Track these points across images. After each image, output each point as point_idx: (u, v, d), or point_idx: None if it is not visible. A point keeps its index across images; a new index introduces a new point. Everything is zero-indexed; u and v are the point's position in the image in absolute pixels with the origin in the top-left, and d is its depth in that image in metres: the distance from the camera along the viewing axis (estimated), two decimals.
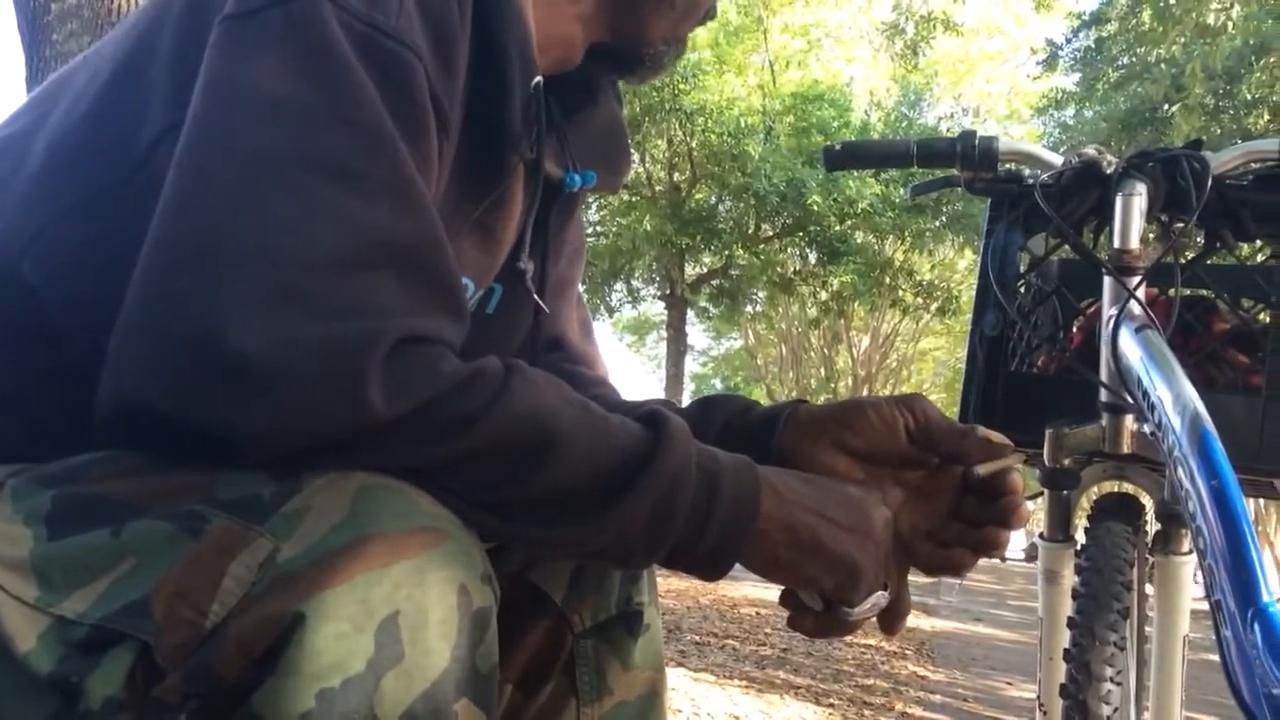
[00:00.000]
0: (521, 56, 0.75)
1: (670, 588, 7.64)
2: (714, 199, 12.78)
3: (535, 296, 0.89)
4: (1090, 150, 1.34)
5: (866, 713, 4.33)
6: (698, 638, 5.76)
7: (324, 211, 0.61)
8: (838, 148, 1.48)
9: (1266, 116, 8.89)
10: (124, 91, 0.72)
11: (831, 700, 4.49)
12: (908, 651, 6.48)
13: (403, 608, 0.57)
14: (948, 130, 15.20)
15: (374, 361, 0.60)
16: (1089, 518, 1.29)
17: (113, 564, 0.60)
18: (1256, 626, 0.78)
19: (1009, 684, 5.62)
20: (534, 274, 0.88)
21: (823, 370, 21.79)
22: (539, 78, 0.77)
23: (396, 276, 0.63)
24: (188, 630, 0.58)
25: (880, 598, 0.76)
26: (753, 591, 8.14)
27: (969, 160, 1.42)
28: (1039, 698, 1.35)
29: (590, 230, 12.47)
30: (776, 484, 0.72)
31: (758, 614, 7.25)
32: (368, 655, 0.56)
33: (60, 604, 0.60)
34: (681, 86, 10.87)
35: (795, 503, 0.72)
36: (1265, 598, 0.80)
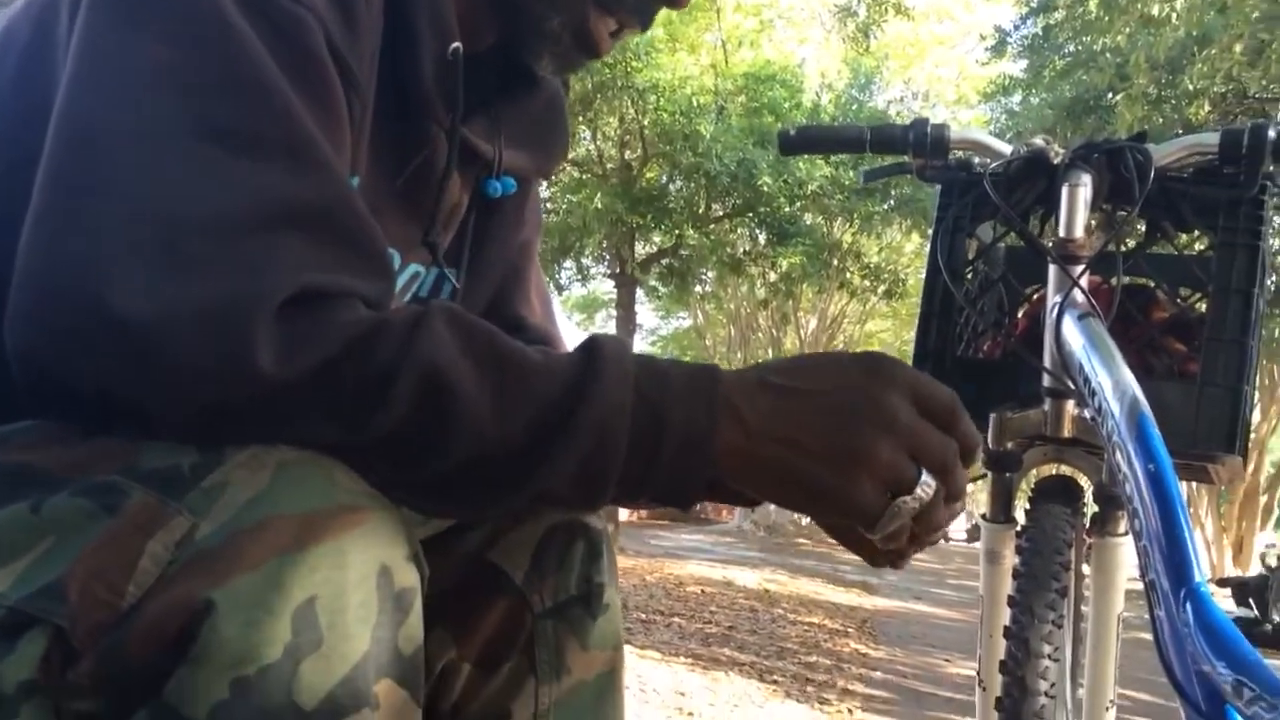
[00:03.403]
0: (434, 17, 0.74)
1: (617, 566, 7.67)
2: (665, 178, 12.74)
3: (445, 271, 0.87)
4: (1038, 140, 1.37)
5: (809, 689, 4.39)
6: (644, 615, 5.80)
7: (210, 173, 0.60)
8: (792, 132, 1.50)
9: (1207, 107, 9.04)
10: (40, 55, 0.69)
11: (775, 677, 4.54)
12: (849, 629, 6.57)
13: (320, 592, 0.56)
14: (897, 114, 15.31)
15: (260, 321, 0.58)
16: (1030, 500, 1.32)
17: (32, 543, 0.57)
18: (1188, 606, 0.79)
19: (947, 660, 5.72)
20: (452, 250, 0.86)
21: (770, 351, 21.87)
22: (457, 44, 0.75)
23: (290, 235, 0.61)
24: (104, 612, 0.56)
25: (905, 504, 0.64)
26: (698, 570, 8.20)
27: (920, 147, 1.44)
28: (979, 674, 1.38)
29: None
30: (741, 406, 0.64)
31: (703, 592, 7.30)
32: (285, 641, 0.55)
33: None
34: (634, 64, 10.80)
35: (760, 432, 0.64)
36: (1197, 578, 0.82)
